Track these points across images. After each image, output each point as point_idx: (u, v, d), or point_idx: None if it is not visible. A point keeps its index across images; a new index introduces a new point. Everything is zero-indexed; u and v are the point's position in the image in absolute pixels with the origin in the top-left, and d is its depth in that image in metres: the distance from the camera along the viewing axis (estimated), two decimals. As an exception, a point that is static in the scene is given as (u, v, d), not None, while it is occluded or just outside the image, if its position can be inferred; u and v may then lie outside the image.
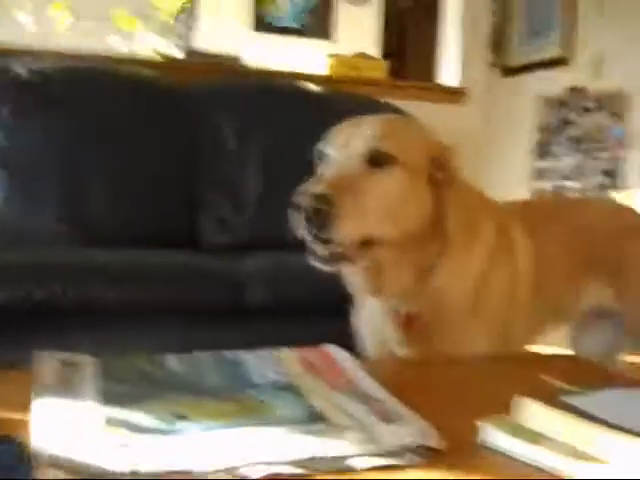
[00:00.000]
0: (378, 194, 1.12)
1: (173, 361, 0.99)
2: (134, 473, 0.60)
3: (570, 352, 1.78)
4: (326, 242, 1.10)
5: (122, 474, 0.60)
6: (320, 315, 1.86)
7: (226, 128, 2.62)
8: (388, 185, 1.14)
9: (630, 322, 1.59)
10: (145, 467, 0.61)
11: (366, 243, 1.14)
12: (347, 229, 1.09)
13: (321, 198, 1.07)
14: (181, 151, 2.59)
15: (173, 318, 1.96)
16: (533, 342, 1.52)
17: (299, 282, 2.02)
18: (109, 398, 0.80)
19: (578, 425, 0.73)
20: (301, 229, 1.10)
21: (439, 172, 1.19)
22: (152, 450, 0.66)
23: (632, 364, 1.70)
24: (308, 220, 1.08)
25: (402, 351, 1.28)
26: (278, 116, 2.67)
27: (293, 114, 2.67)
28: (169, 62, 3.12)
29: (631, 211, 1.75)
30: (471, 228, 1.24)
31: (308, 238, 1.11)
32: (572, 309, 1.59)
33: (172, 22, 4.29)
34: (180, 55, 3.27)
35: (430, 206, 1.19)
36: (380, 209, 1.13)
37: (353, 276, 1.26)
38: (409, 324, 1.25)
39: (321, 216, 1.07)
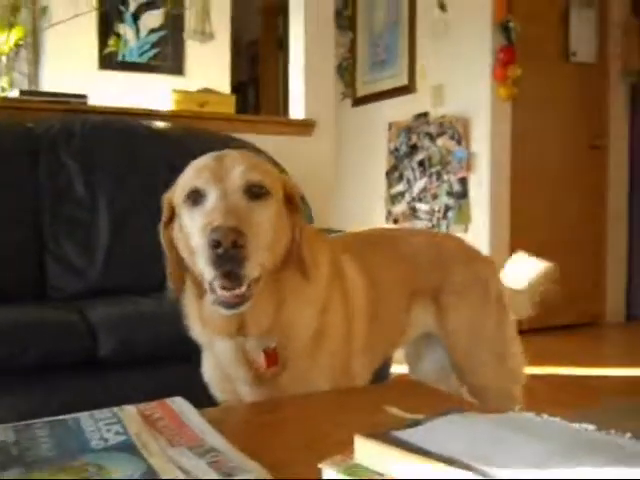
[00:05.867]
0: (266, 226, 1.13)
1: (4, 433, 0.92)
2: None
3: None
4: (236, 279, 1.06)
5: None
6: (174, 362, 1.81)
7: (72, 169, 2.51)
8: (270, 216, 1.15)
9: (448, 347, 1.65)
10: None
11: (258, 278, 1.12)
12: (256, 263, 1.07)
13: (237, 232, 1.03)
14: (25, 194, 2.45)
15: (25, 376, 1.83)
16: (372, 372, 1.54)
17: (152, 330, 1.97)
18: None
19: (410, 461, 0.75)
20: (210, 267, 1.04)
21: (290, 204, 1.22)
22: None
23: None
24: (225, 256, 1.02)
25: (250, 392, 1.26)
26: (126, 155, 2.59)
27: (140, 152, 2.60)
28: (6, 102, 2.96)
29: (454, 241, 1.79)
30: (314, 261, 1.26)
31: (216, 277, 1.06)
32: (403, 335, 1.63)
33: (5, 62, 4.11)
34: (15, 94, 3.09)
35: (290, 237, 1.21)
36: (268, 241, 1.13)
37: (208, 318, 1.21)
38: (274, 361, 1.23)
39: (239, 251, 1.03)
